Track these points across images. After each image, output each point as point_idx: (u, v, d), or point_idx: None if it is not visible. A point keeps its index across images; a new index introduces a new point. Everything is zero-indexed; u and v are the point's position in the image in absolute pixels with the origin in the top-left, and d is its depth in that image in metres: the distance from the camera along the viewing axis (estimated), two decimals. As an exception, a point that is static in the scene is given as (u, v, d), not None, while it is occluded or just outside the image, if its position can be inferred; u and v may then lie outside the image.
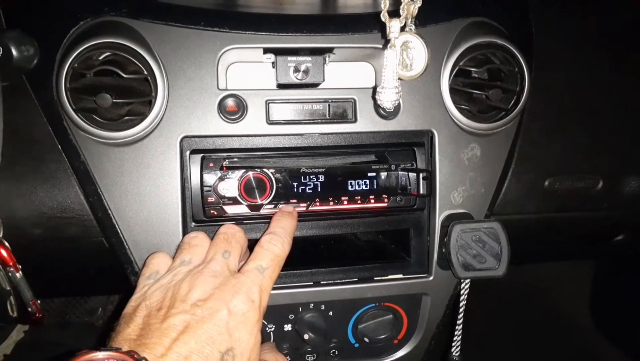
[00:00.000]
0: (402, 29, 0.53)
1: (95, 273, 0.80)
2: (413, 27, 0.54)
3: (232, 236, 0.62)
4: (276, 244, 0.60)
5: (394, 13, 0.54)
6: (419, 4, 0.52)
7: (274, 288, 0.74)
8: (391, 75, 0.54)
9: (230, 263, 0.58)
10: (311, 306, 0.78)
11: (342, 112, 0.74)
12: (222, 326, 0.51)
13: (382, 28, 0.53)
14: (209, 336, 0.50)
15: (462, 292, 0.76)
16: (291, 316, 0.77)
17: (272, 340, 0.78)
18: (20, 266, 0.66)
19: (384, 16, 0.52)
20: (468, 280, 0.75)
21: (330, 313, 0.79)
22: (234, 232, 0.63)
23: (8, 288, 0.65)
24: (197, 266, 0.58)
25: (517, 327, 1.57)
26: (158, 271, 0.59)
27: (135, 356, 0.45)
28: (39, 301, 0.70)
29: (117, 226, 0.70)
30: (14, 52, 0.63)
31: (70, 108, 0.66)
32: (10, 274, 0.64)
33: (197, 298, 0.52)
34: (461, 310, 0.77)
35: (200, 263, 0.59)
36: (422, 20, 0.74)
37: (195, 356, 0.48)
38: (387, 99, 0.55)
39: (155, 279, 0.58)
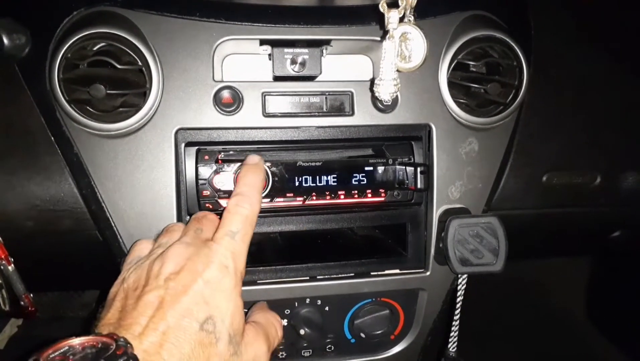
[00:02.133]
0: (401, 20, 0.53)
1: (88, 266, 0.80)
2: (412, 18, 0.53)
3: (203, 216, 0.62)
4: (244, 205, 0.58)
5: (393, 4, 0.53)
6: (418, -6, 0.51)
7: (269, 283, 0.74)
8: (389, 67, 0.53)
9: (202, 236, 0.58)
10: (307, 301, 0.77)
11: (339, 105, 0.73)
12: (197, 296, 0.50)
13: (380, 20, 0.53)
14: (186, 308, 0.49)
15: (459, 287, 0.76)
16: (287, 311, 0.77)
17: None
18: (12, 259, 0.65)
19: (383, 7, 0.51)
20: (465, 275, 0.75)
21: (327, 308, 0.78)
22: (204, 213, 0.63)
23: (0, 282, 0.64)
24: None
25: (514, 323, 1.58)
26: (139, 256, 0.59)
27: (114, 337, 0.44)
28: (31, 295, 0.70)
29: (110, 219, 0.69)
30: (5, 40, 0.62)
31: (63, 99, 0.65)
32: (2, 267, 0.63)
33: (170, 272, 0.52)
34: (458, 305, 0.77)
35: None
36: (421, 12, 0.73)
37: (173, 330, 0.48)
38: (385, 91, 0.55)
39: (135, 263, 0.58)
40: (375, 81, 0.55)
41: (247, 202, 0.59)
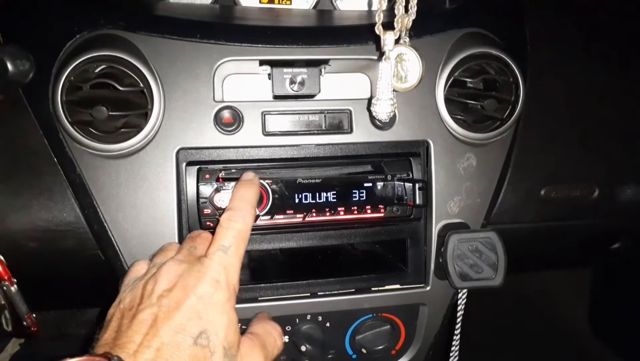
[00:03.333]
0: (397, 41, 0.54)
1: (91, 285, 0.80)
2: (407, 39, 0.54)
3: (197, 235, 0.63)
4: (236, 220, 0.59)
5: (389, 25, 0.54)
6: (413, 16, 0.52)
7: (270, 300, 0.75)
8: (386, 87, 0.54)
9: (196, 253, 0.59)
10: (308, 317, 0.77)
11: (338, 123, 0.74)
12: (190, 311, 0.51)
13: (377, 40, 0.54)
14: (179, 323, 0.50)
15: (459, 302, 0.76)
16: (288, 328, 0.77)
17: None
18: (15, 280, 0.65)
19: (379, 29, 0.52)
20: (465, 290, 0.75)
21: (328, 324, 0.78)
22: (198, 232, 0.63)
23: (3, 302, 0.64)
24: None
25: (515, 335, 1.57)
26: (136, 277, 0.59)
27: (109, 356, 0.45)
28: (34, 315, 0.70)
29: (112, 239, 0.70)
30: (10, 66, 0.63)
31: (66, 121, 0.66)
32: (5, 288, 0.64)
33: (163, 289, 0.53)
34: (459, 320, 0.77)
35: None
36: (417, 31, 0.74)
37: (168, 346, 0.48)
38: (382, 110, 0.56)
39: (131, 284, 0.58)
40: (373, 101, 0.56)
41: (240, 216, 0.59)
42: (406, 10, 0.52)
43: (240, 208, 0.60)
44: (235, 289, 0.56)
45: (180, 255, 0.58)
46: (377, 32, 0.52)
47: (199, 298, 0.52)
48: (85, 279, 0.78)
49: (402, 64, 0.54)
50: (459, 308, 0.76)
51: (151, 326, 0.50)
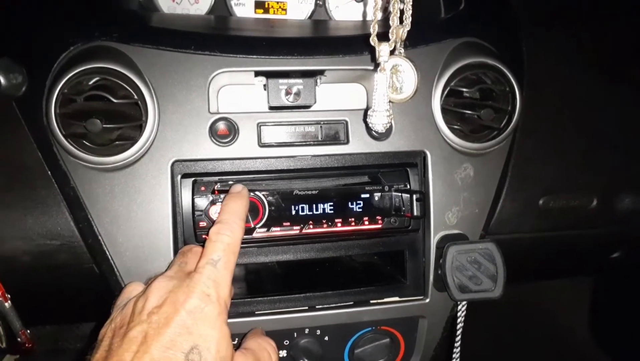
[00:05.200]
0: (392, 52, 0.53)
1: (86, 299, 0.79)
2: (402, 50, 0.54)
3: (188, 250, 0.62)
4: (225, 233, 0.58)
5: (384, 36, 0.54)
6: (407, 27, 0.52)
7: (267, 314, 0.74)
8: (382, 98, 0.54)
9: (186, 268, 0.58)
10: (306, 331, 0.76)
11: (334, 133, 0.74)
12: (181, 327, 0.50)
13: (372, 50, 0.53)
14: (169, 339, 0.49)
15: (459, 314, 0.75)
16: (286, 342, 0.76)
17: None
18: (9, 296, 0.64)
19: (373, 40, 0.52)
20: (465, 302, 0.74)
21: (326, 338, 0.77)
22: (189, 247, 0.63)
23: (-4, 319, 0.63)
24: None
25: (516, 346, 1.56)
26: (129, 297, 0.59)
27: None
28: (28, 331, 0.69)
29: (107, 253, 0.69)
30: (2, 80, 0.62)
31: (60, 134, 0.65)
32: (-2, 304, 0.63)
33: (153, 306, 0.52)
34: (458, 332, 0.76)
35: None
36: (413, 41, 0.74)
37: None
38: (378, 122, 0.55)
39: (124, 304, 0.57)
40: (369, 112, 0.56)
41: (228, 229, 0.59)
42: (401, 21, 0.52)
43: (228, 221, 0.60)
44: (226, 303, 0.55)
45: (171, 271, 0.58)
46: (372, 43, 0.52)
47: (189, 313, 0.51)
48: (80, 293, 0.77)
49: (397, 75, 0.54)
50: (458, 320, 0.76)
51: (141, 344, 0.49)
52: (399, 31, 0.51)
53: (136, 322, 0.51)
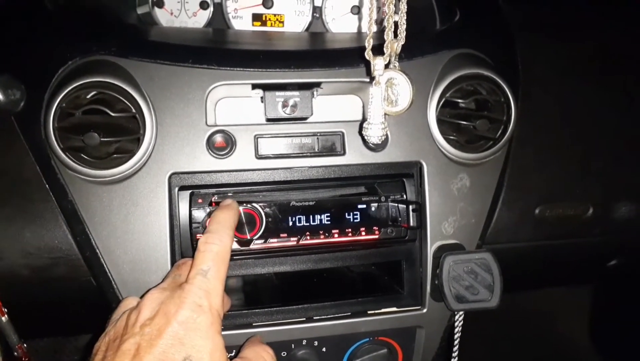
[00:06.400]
0: (387, 65, 0.54)
1: (83, 312, 0.79)
2: (397, 63, 0.54)
3: (182, 263, 0.63)
4: (213, 242, 0.58)
5: (379, 49, 0.55)
6: (402, 42, 0.53)
7: (265, 325, 0.74)
8: (377, 111, 0.54)
9: (179, 280, 0.59)
10: (304, 342, 0.76)
11: (330, 145, 0.75)
12: (173, 338, 0.51)
13: (367, 63, 0.54)
14: (162, 351, 0.50)
15: (456, 324, 0.75)
16: (284, 354, 0.76)
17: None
18: (5, 310, 0.64)
19: (369, 54, 0.53)
20: (462, 312, 0.74)
21: (324, 349, 0.77)
22: (184, 260, 0.64)
23: (-7, 333, 0.63)
24: None
25: (515, 355, 1.55)
26: (124, 311, 0.59)
27: None
28: (25, 345, 0.69)
29: (105, 266, 0.69)
30: (1, 96, 0.63)
31: (58, 147, 0.66)
32: (-5, 318, 0.63)
33: (146, 318, 0.53)
34: (456, 342, 0.76)
35: None
36: (408, 53, 0.75)
37: None
38: (374, 134, 0.56)
39: (118, 318, 0.58)
40: (364, 125, 0.56)
41: (217, 238, 0.59)
42: (395, 35, 0.52)
43: (217, 230, 0.60)
44: (219, 313, 0.55)
45: (164, 283, 0.58)
46: (367, 57, 0.53)
47: (181, 323, 0.51)
48: (77, 306, 0.77)
49: (392, 88, 0.55)
50: (456, 330, 0.76)
51: (134, 356, 0.49)
52: (394, 45, 0.52)
53: (129, 335, 0.51)
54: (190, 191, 0.71)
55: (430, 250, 0.76)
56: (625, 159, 0.89)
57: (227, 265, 0.58)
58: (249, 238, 0.70)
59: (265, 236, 0.71)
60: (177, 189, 0.71)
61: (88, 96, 0.69)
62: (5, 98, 0.62)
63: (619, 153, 0.89)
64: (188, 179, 0.71)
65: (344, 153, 0.74)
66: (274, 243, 0.72)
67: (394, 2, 0.51)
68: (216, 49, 0.77)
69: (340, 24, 1.03)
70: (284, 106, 0.73)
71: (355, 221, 0.74)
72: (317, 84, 0.74)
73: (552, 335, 1.58)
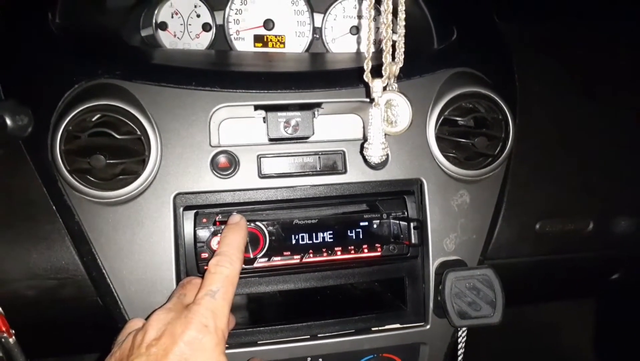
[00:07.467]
0: (386, 88, 0.55)
1: (90, 332, 0.80)
2: (395, 85, 0.56)
3: (187, 282, 0.64)
4: (224, 265, 0.59)
5: (377, 71, 0.56)
6: (400, 64, 0.54)
7: (270, 344, 0.74)
8: (377, 132, 0.55)
9: (185, 300, 0.59)
10: (309, 360, 0.76)
11: (332, 163, 0.76)
12: (179, 358, 0.51)
13: (367, 84, 0.55)
14: None
15: (459, 340, 0.76)
16: (288, 372, 0.76)
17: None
18: (13, 331, 0.65)
19: (367, 77, 0.54)
20: (465, 328, 0.75)
21: (328, 367, 0.78)
22: (189, 279, 0.65)
23: (0, 355, 0.64)
24: None
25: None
26: (129, 333, 0.59)
27: None
28: (31, 366, 0.69)
29: (111, 285, 0.70)
30: (8, 122, 0.64)
31: (64, 170, 0.67)
32: (3, 340, 0.63)
33: (152, 339, 0.53)
34: (460, 358, 0.76)
35: None
36: (407, 72, 0.76)
37: None
38: (374, 154, 0.57)
39: (124, 339, 0.58)
40: (365, 145, 0.58)
41: (228, 261, 0.60)
42: (393, 58, 0.54)
43: (227, 253, 0.61)
44: (224, 334, 0.56)
45: (170, 303, 0.59)
46: (366, 79, 0.54)
47: (187, 344, 0.52)
48: (84, 326, 0.78)
49: (391, 109, 0.56)
50: (459, 346, 0.76)
51: None
52: (392, 68, 0.53)
53: (135, 355, 0.52)
54: (194, 210, 0.72)
55: (432, 267, 0.77)
56: (623, 174, 0.90)
57: (235, 287, 0.59)
58: (252, 256, 0.71)
59: (268, 255, 0.72)
60: (181, 209, 0.72)
61: (94, 119, 0.70)
62: (13, 124, 0.64)
63: (618, 168, 0.90)
64: (192, 199, 0.72)
65: (345, 172, 0.76)
66: (277, 261, 0.73)
67: (391, 26, 0.52)
68: (219, 72, 0.79)
69: (340, 44, 1.05)
70: (286, 126, 0.75)
71: (357, 238, 0.75)
72: (318, 104, 0.76)
73: (556, 349, 1.57)
